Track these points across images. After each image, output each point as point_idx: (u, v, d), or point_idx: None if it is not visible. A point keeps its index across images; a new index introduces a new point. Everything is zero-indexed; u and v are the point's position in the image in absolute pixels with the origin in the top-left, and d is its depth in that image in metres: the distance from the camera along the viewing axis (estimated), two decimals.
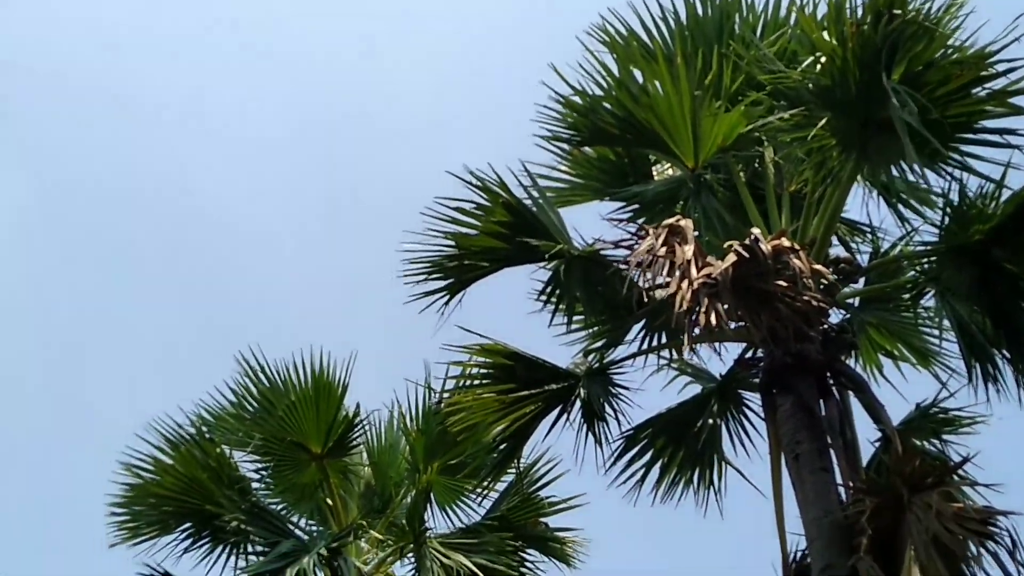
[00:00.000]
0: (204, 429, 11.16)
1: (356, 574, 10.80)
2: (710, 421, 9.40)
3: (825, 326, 8.26)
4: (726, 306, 7.22)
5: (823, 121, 7.97)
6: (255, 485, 11.51)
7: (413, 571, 11.07)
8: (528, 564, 11.45)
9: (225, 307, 25.25)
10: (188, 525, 11.19)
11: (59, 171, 23.89)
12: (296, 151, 24.92)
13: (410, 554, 11.26)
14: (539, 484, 11.27)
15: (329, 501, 11.61)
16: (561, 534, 11.44)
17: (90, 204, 24.39)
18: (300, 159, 24.81)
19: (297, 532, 11.14)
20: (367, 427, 11.74)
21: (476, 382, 9.31)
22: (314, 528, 11.77)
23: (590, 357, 9.36)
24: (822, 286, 7.92)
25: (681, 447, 9.46)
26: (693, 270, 7.39)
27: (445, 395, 9.55)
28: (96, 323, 24.46)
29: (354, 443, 11.70)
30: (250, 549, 11.27)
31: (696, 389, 9.49)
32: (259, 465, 11.58)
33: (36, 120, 23.06)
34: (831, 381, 8.11)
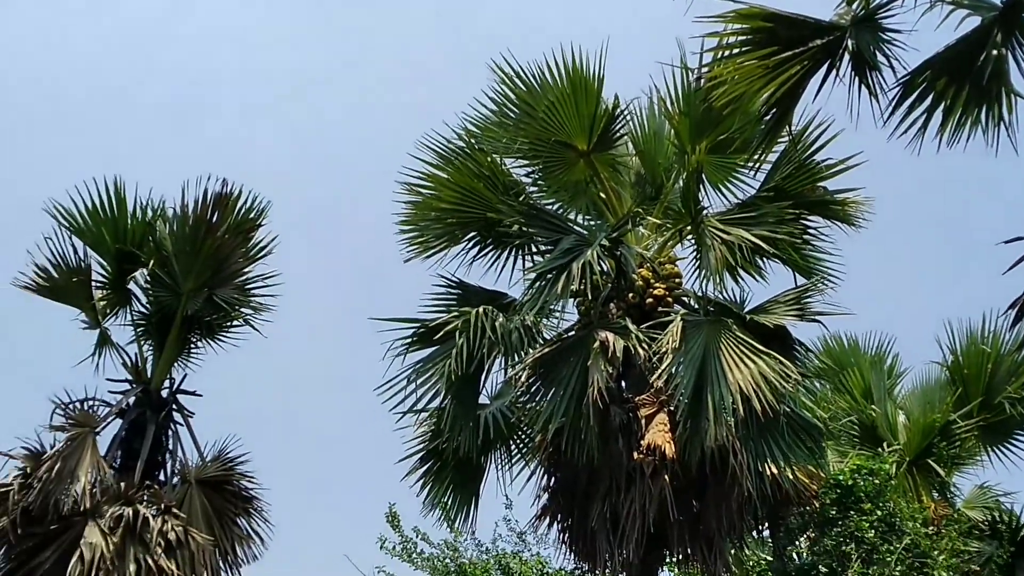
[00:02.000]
0: (472, 141, 11.41)
1: (639, 260, 11.01)
2: (994, 52, 8.62)
3: None
4: None
5: None
6: (529, 188, 11.80)
7: (694, 251, 11.13)
8: (811, 231, 11.30)
9: (475, 16, 25.32)
10: (473, 234, 11.70)
11: None
12: None
13: (689, 236, 11.32)
14: (813, 148, 10.93)
15: (602, 195, 11.74)
16: (841, 196, 11.14)
17: None
18: None
19: (576, 228, 11.40)
20: (629, 117, 11.67)
21: (735, 52, 8.89)
22: (591, 222, 12.00)
23: (855, 5, 8.70)
24: None
25: (964, 86, 8.74)
26: None
27: (704, 71, 9.21)
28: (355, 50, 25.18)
29: (618, 135, 11.65)
30: (533, 250, 11.69)
31: (976, 21, 8.69)
32: (529, 168, 11.81)
33: None
34: None
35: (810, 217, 11.22)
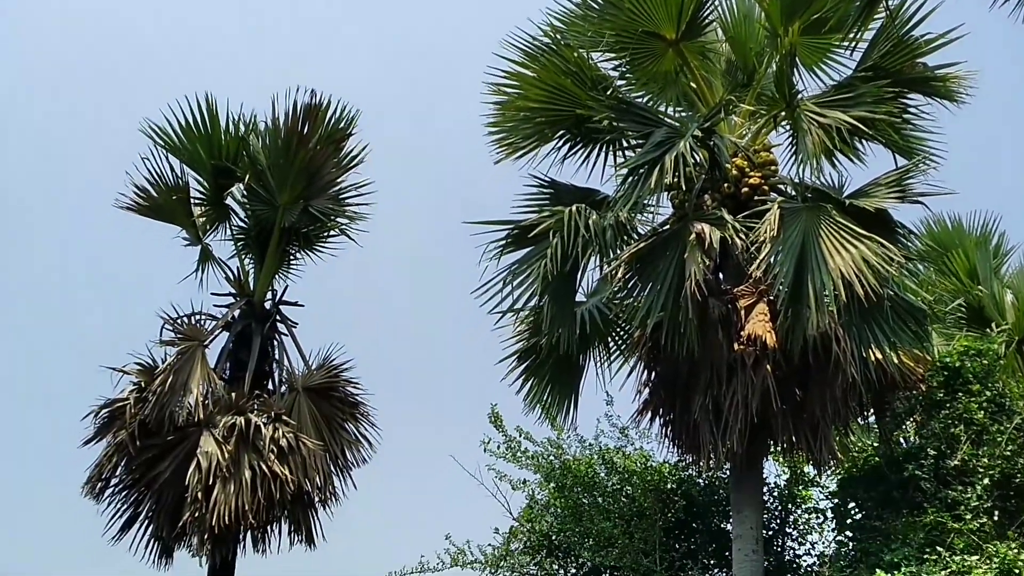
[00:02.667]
0: (558, 36, 11.20)
1: (732, 149, 10.81)
2: None
3: None
4: None
5: None
6: (618, 82, 11.59)
7: (790, 137, 10.87)
8: (911, 109, 10.94)
9: None
10: (562, 132, 11.56)
11: None
12: None
13: (784, 122, 11.07)
14: (912, 23, 10.47)
15: (692, 84, 11.50)
16: (942, 71, 10.72)
17: None
18: None
19: (667, 120, 11.19)
20: (717, 2, 11.35)
21: None
22: (683, 113, 11.79)
23: None
24: None
25: None
26: None
27: None
28: None
29: (706, 21, 11.34)
30: (624, 144, 11.54)
31: None
32: (617, 62, 11.59)
33: None
34: None
35: (910, 95, 10.85)
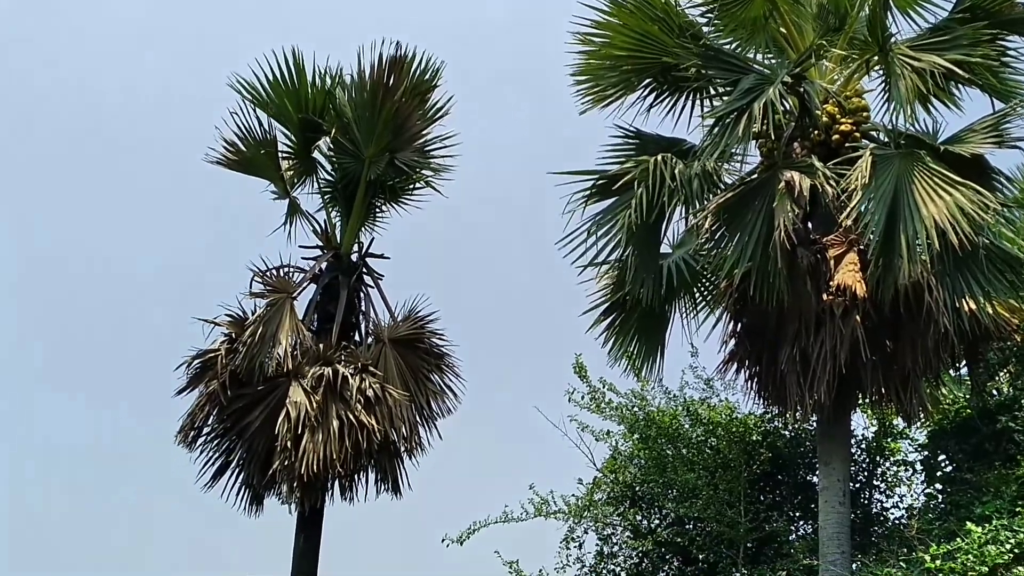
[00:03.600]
0: None
1: (823, 95, 10.59)
2: None
3: None
4: None
5: None
6: (705, 29, 11.40)
7: (883, 82, 10.60)
8: (1010, 52, 10.61)
9: None
10: (648, 80, 11.40)
11: None
12: None
13: (877, 66, 10.79)
14: None
15: (782, 30, 11.27)
16: None
17: None
18: None
19: (756, 67, 10.99)
20: None
21: None
22: (772, 60, 11.56)
23: None
24: None
25: None
26: None
27: None
28: None
29: None
30: (712, 92, 11.36)
31: None
32: (705, 8, 11.38)
33: None
34: None
35: (1008, 37, 10.51)
